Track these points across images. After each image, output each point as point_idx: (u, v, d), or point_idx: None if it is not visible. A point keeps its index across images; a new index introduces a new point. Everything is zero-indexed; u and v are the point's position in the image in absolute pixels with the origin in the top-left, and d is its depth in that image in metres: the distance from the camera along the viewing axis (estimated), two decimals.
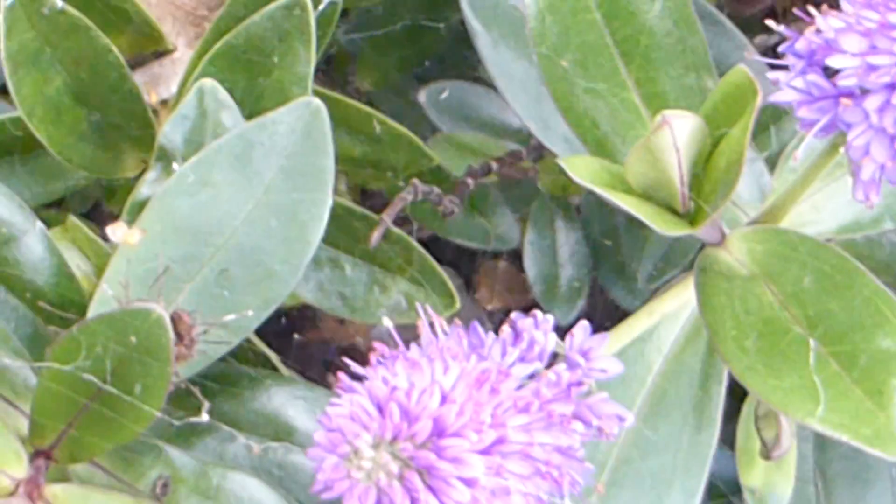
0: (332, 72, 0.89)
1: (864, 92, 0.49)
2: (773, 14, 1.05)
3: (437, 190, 0.63)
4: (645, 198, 0.49)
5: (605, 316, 0.76)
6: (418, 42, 0.84)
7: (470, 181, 0.67)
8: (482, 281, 0.84)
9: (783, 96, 0.50)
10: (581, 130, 0.52)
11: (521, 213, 0.77)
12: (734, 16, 1.01)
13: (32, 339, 0.52)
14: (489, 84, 0.77)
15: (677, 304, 0.57)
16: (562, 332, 0.49)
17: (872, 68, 0.48)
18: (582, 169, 0.47)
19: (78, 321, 0.49)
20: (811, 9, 0.51)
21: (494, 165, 0.70)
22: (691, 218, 0.51)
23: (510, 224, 0.75)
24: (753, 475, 0.60)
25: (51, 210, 0.65)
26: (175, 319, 0.47)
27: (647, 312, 0.57)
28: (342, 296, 0.60)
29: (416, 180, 0.61)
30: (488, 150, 0.71)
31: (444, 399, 0.45)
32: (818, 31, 0.50)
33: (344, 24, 0.85)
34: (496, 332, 0.50)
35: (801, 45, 0.50)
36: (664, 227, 0.49)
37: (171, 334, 0.46)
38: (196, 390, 0.47)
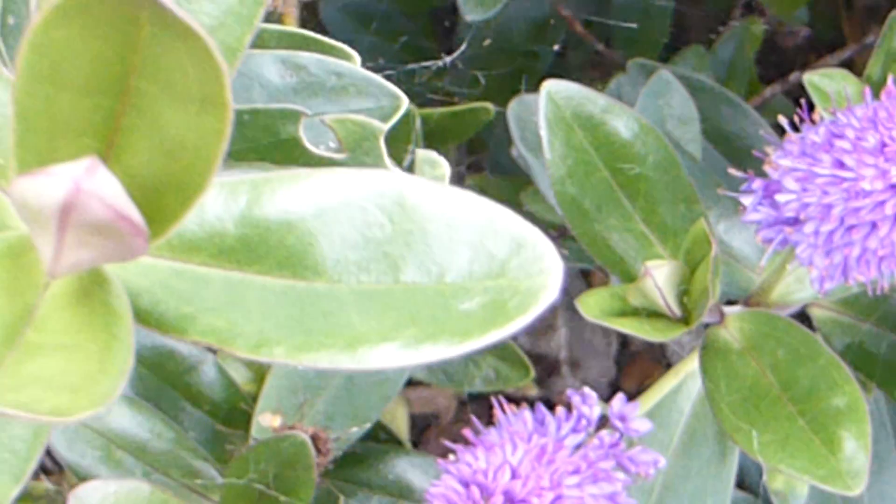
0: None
1: (803, 220, 0.66)
2: (811, 46, 1.18)
3: None
4: (646, 313, 0.67)
5: None
6: None
7: None
8: None
9: (748, 218, 0.67)
10: (600, 255, 0.70)
11: None
12: (778, 47, 1.15)
13: (212, 440, 0.73)
14: None
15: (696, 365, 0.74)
16: None
17: (805, 205, 0.65)
18: (592, 305, 0.65)
19: (244, 430, 0.70)
20: (767, 149, 0.67)
21: None
22: (686, 319, 0.69)
23: None
24: (777, 482, 0.78)
25: None
26: (314, 438, 0.67)
27: (675, 373, 0.75)
28: (445, 371, 0.79)
29: None
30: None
31: (513, 474, 0.64)
32: (773, 168, 0.67)
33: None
34: None
35: (756, 184, 0.67)
36: (661, 335, 0.67)
37: (313, 450, 0.66)
38: (332, 488, 0.68)
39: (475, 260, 0.35)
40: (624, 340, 1.18)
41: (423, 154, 0.44)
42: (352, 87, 0.47)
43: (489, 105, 0.77)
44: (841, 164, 0.64)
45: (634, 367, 1.25)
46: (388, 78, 0.89)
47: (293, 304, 0.35)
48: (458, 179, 1.07)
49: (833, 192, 0.64)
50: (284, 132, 0.43)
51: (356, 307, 0.35)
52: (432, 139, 0.74)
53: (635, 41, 1.09)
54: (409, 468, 0.73)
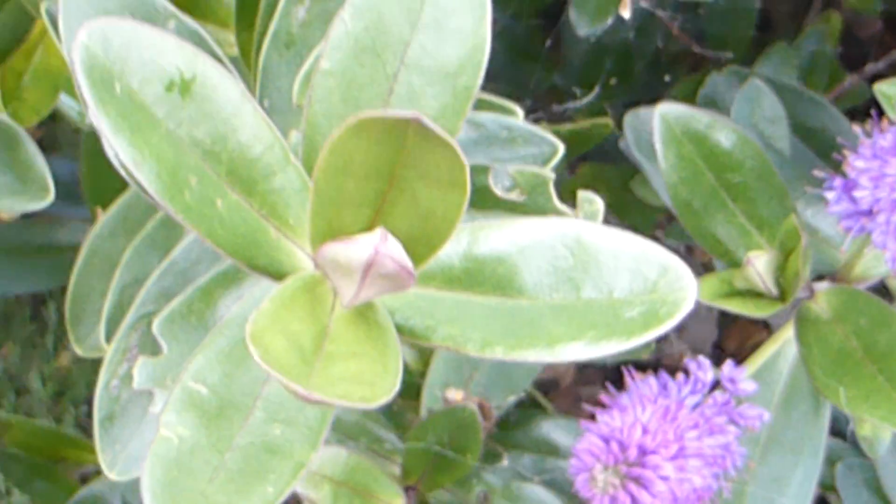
0: None
1: (876, 212, 0.79)
2: (890, 32, 1.31)
3: None
4: (750, 293, 0.81)
5: None
6: None
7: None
8: None
9: (832, 210, 0.81)
10: (709, 246, 0.84)
11: None
12: (855, 37, 1.28)
13: (390, 412, 0.88)
14: None
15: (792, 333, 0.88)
16: None
17: (877, 199, 0.79)
18: (705, 290, 0.80)
19: (416, 401, 0.85)
20: (845, 151, 0.81)
21: None
22: (783, 297, 0.83)
23: None
24: (865, 429, 0.92)
25: None
26: (481, 407, 0.82)
27: (774, 340, 0.88)
28: None
29: None
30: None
31: (644, 430, 0.77)
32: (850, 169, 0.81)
33: None
34: None
35: (836, 183, 0.81)
36: (762, 311, 0.81)
37: (480, 418, 0.81)
38: (498, 447, 0.83)
39: (634, 280, 0.50)
40: None
41: (583, 194, 0.58)
42: (520, 137, 0.62)
43: (609, 121, 0.91)
44: None
45: (735, 330, 1.39)
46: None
47: (505, 316, 0.50)
48: (569, 167, 1.21)
49: None
50: (479, 182, 0.58)
51: (551, 317, 0.50)
52: None
53: (725, 39, 1.23)
54: (553, 429, 0.88)
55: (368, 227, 0.48)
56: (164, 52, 0.49)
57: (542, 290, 0.50)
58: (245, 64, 0.62)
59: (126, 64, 0.48)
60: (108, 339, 0.60)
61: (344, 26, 0.52)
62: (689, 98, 1.08)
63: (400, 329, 0.50)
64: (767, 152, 0.91)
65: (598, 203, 0.57)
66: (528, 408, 0.91)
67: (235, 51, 0.62)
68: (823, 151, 1.01)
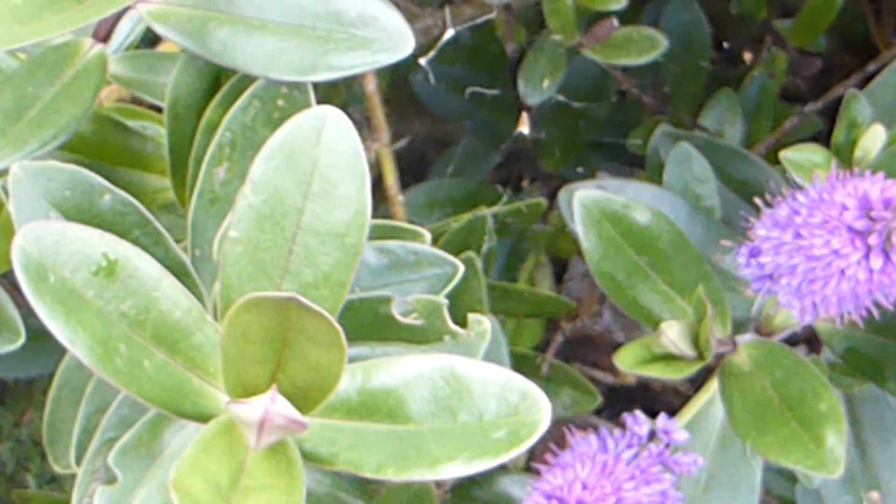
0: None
1: (777, 277, 0.88)
2: (826, 71, 1.39)
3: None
4: (670, 357, 0.90)
5: None
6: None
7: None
8: None
9: (742, 273, 0.89)
10: (636, 314, 0.92)
11: None
12: (799, 77, 1.36)
13: (360, 482, 0.98)
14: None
15: None
16: None
17: (778, 265, 0.87)
18: (626, 358, 0.88)
19: None
20: (751, 219, 0.90)
21: None
22: (701, 357, 0.91)
23: None
24: None
25: None
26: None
27: (706, 390, 0.97)
28: None
29: (563, 324, 1.04)
30: None
31: (583, 486, 0.87)
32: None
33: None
34: None
35: (743, 250, 0.90)
36: (681, 373, 0.89)
37: (435, 490, 0.90)
38: None
39: (500, 405, 0.59)
40: None
41: (472, 317, 0.67)
42: (425, 260, 0.71)
43: (542, 200, 1.01)
44: (799, 235, 0.85)
45: None
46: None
47: (396, 441, 0.60)
48: (542, 218, 1.29)
49: (796, 256, 0.85)
50: (383, 311, 0.67)
51: (433, 440, 0.59)
52: (500, 232, 0.98)
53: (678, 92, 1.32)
54: (510, 485, 0.98)
55: (272, 379, 0.58)
56: (88, 242, 0.58)
57: (425, 417, 0.59)
58: (182, 209, 0.71)
59: (57, 257, 0.58)
60: (78, 461, 0.69)
61: (246, 200, 0.61)
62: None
63: (308, 456, 0.60)
64: (697, 212, 1.00)
65: (485, 324, 0.66)
66: None
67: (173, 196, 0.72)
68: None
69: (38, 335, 0.83)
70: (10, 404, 1.55)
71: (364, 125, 1.01)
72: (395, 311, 0.67)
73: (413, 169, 1.32)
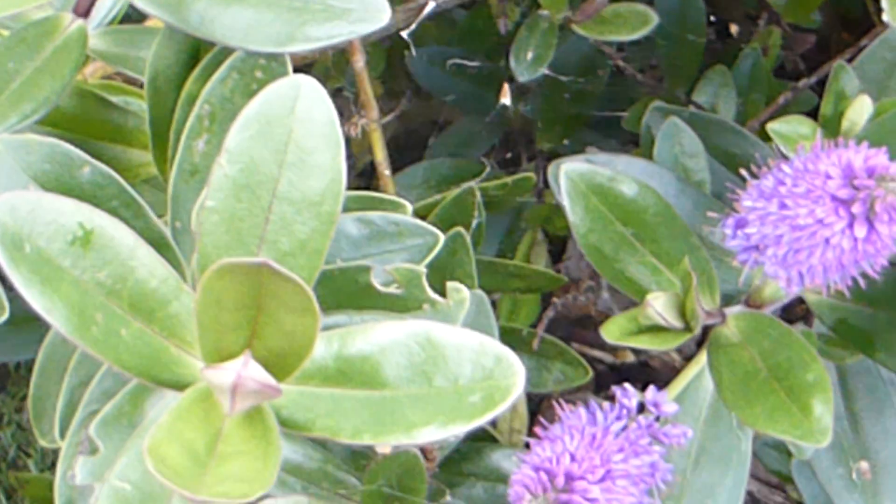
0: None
1: (763, 247, 0.88)
2: (821, 47, 1.39)
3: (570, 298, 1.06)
4: (657, 328, 0.90)
5: None
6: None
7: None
8: None
9: (728, 245, 0.90)
10: (624, 286, 0.92)
11: None
12: (794, 53, 1.36)
13: (350, 456, 0.97)
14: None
15: None
16: None
17: (764, 236, 0.87)
18: (613, 329, 0.89)
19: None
20: (739, 191, 0.90)
21: None
22: (688, 328, 0.91)
23: None
24: None
25: None
26: (423, 450, 0.91)
27: (696, 362, 0.97)
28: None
29: (555, 299, 1.05)
30: None
31: (572, 458, 0.87)
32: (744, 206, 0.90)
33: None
34: None
35: (730, 221, 0.90)
36: (669, 345, 0.90)
37: (423, 462, 0.90)
38: (440, 484, 0.92)
39: (475, 370, 0.59)
40: None
41: (450, 285, 0.67)
42: (406, 230, 0.71)
43: (531, 175, 1.01)
44: (784, 205, 0.85)
45: None
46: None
47: (372, 407, 0.60)
48: (537, 194, 1.29)
49: (781, 226, 0.85)
50: (362, 281, 0.67)
51: (409, 405, 0.59)
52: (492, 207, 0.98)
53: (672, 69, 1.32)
54: (502, 458, 0.98)
55: (247, 345, 0.58)
56: (64, 212, 0.59)
57: (401, 382, 0.59)
58: (164, 183, 0.71)
59: (33, 227, 0.58)
60: (63, 435, 0.70)
61: (222, 170, 0.61)
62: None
63: (284, 423, 0.60)
64: (687, 185, 1.00)
65: (464, 292, 0.66)
66: (479, 440, 1.00)
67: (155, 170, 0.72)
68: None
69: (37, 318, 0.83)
70: (11, 390, 1.56)
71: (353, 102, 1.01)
72: (376, 281, 0.67)
73: (415, 152, 1.33)
